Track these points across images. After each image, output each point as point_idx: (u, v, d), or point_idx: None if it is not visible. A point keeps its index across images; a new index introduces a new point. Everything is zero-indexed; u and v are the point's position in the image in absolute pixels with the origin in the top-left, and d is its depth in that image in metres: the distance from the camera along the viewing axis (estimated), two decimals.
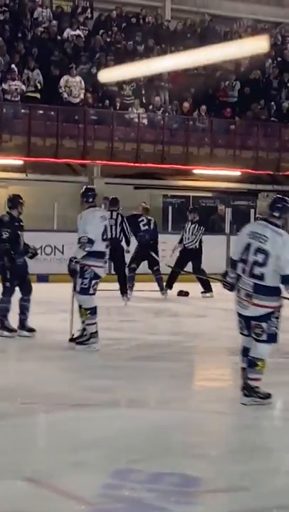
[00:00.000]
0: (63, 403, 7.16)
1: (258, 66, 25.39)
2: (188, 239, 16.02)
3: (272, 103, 24.94)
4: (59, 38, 23.20)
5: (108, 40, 23.97)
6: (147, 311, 12.25)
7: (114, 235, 14.05)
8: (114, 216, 14.58)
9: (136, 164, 21.75)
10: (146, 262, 15.62)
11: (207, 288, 15.61)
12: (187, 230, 16.09)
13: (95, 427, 6.43)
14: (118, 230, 14.57)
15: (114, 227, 14.30)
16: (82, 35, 23.51)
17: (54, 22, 23.54)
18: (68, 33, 23.25)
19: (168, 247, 18.09)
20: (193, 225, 16.16)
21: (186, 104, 23.11)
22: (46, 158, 20.93)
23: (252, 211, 21.37)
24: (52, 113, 21.50)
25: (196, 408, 7.27)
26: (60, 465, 5.39)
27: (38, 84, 21.41)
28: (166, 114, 22.97)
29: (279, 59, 26.69)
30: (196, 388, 8.52)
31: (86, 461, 5.47)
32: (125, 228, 14.70)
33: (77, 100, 21.70)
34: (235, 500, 4.81)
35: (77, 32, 23.46)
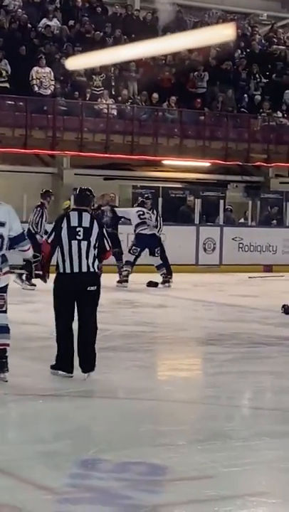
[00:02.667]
0: (32, 393, 7.18)
1: (227, 57, 25.47)
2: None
3: (244, 94, 25.04)
4: (30, 27, 23.09)
5: (77, 30, 23.90)
6: (115, 302, 12.28)
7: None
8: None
9: (105, 155, 21.78)
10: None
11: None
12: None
13: (64, 417, 6.47)
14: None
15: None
16: (52, 26, 23.44)
17: (22, 11, 23.42)
18: (43, 23, 23.17)
19: None
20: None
21: (155, 95, 23.12)
22: (15, 148, 20.86)
23: (221, 202, 21.45)
24: (21, 103, 21.45)
25: (164, 398, 7.33)
26: (28, 455, 5.42)
27: (3, 72, 21.29)
28: (136, 105, 22.98)
29: (248, 50, 26.76)
30: (164, 378, 8.57)
31: (54, 451, 5.50)
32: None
33: (48, 92, 21.66)
34: (201, 489, 4.85)
35: (52, 22, 23.38)
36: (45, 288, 10.64)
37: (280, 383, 8.14)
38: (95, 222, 7.82)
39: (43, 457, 5.38)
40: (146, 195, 17.74)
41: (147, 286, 15.72)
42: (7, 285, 7.54)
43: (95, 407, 6.94)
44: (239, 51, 26.48)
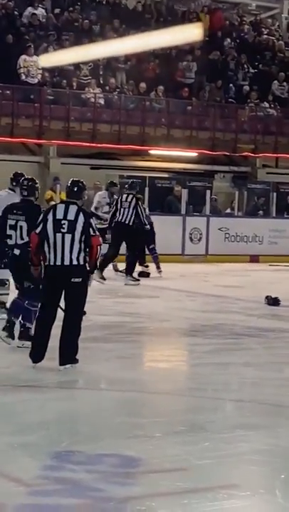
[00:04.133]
0: (11, 384, 7.18)
1: (215, 47, 25.44)
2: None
3: (230, 84, 25.01)
4: (17, 15, 23.00)
5: (65, 18, 23.81)
6: (99, 292, 12.26)
7: (123, 219, 14.62)
8: (128, 199, 14.96)
9: (92, 144, 21.73)
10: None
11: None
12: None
13: (40, 409, 6.47)
14: (130, 212, 14.80)
15: (126, 210, 14.72)
16: (39, 14, 23.34)
17: None
18: (30, 11, 23.07)
19: None
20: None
21: (142, 85, 23.08)
22: (1, 137, 20.80)
23: (208, 192, 21.45)
24: (7, 92, 21.36)
25: (144, 389, 7.33)
26: (1, 447, 5.41)
27: None
28: (123, 95, 22.92)
29: (236, 40, 26.73)
30: (145, 369, 8.58)
31: (27, 442, 5.50)
32: (140, 211, 14.96)
33: (36, 81, 21.59)
34: (174, 481, 4.87)
35: (38, 11, 23.28)
36: None
37: (260, 375, 8.16)
38: (81, 214, 7.73)
39: (16, 449, 5.38)
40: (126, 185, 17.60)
41: (138, 276, 15.68)
42: None
43: (73, 398, 6.94)
44: (228, 40, 26.44)
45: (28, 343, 8.18)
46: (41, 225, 7.75)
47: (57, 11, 23.97)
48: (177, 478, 4.94)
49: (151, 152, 22.54)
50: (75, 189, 7.95)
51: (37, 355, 7.67)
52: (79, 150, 21.58)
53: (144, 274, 15.97)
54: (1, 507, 4.44)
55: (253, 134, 24.43)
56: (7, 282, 10.00)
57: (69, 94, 22.05)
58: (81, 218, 7.70)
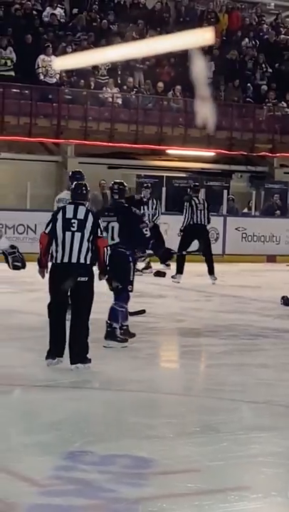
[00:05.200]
0: (24, 384, 7.22)
1: (234, 46, 25.40)
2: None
3: (248, 84, 24.96)
4: (35, 14, 23.05)
5: (83, 18, 23.84)
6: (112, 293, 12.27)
7: (199, 220, 15.20)
8: (201, 201, 15.75)
9: (110, 144, 21.75)
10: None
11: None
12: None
13: (53, 409, 6.50)
14: (204, 214, 15.47)
15: (201, 212, 15.40)
16: (58, 14, 23.39)
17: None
18: (48, 11, 23.13)
19: None
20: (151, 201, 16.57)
21: (160, 84, 23.08)
22: (20, 137, 20.87)
23: (225, 192, 21.43)
24: (26, 92, 21.43)
25: (157, 390, 7.35)
26: (15, 446, 5.45)
27: (9, 61, 21.28)
28: (141, 94, 22.94)
29: (255, 39, 26.67)
30: (158, 370, 8.57)
31: (40, 442, 5.53)
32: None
33: (54, 80, 21.66)
34: (185, 483, 4.88)
35: (56, 10, 23.33)
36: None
37: (275, 376, 8.16)
38: (90, 214, 7.90)
39: (29, 449, 5.41)
40: (145, 185, 17.87)
41: (154, 276, 15.71)
42: None
43: (86, 398, 6.96)
44: (246, 40, 26.39)
45: (115, 343, 8.68)
46: (51, 225, 7.87)
47: (75, 10, 24.00)
48: (189, 480, 4.95)
49: (169, 152, 22.54)
50: (83, 191, 8.09)
51: (61, 351, 7.74)
52: (96, 149, 21.61)
53: (161, 274, 15.96)
54: (14, 506, 4.47)
55: (271, 133, 24.37)
56: None
57: (87, 93, 22.09)
58: (90, 218, 7.86)
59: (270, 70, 25.78)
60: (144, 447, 5.51)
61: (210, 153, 22.98)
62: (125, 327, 9.06)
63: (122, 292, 8.87)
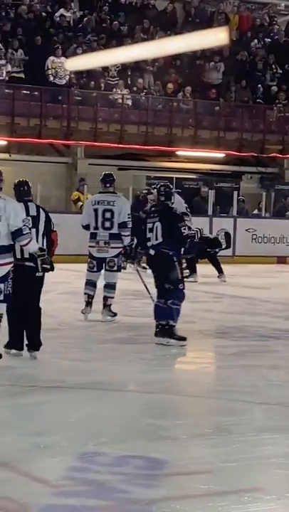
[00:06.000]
0: (35, 385, 7.21)
1: (244, 47, 25.39)
2: None
3: (258, 85, 24.95)
4: (45, 16, 23.10)
5: (94, 19, 23.87)
6: (125, 293, 12.27)
7: None
8: None
9: (120, 145, 21.78)
10: None
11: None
12: None
13: (65, 410, 6.49)
14: None
15: None
16: (68, 15, 23.43)
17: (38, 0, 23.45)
18: (60, 13, 23.17)
19: None
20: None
21: (170, 85, 23.09)
22: (30, 138, 20.91)
23: (235, 193, 21.41)
24: (36, 93, 21.48)
25: (168, 391, 7.33)
26: (27, 447, 5.44)
27: (21, 63, 21.33)
28: (151, 96, 22.95)
29: (265, 40, 26.66)
30: (169, 371, 8.55)
31: (52, 443, 5.52)
32: None
33: (64, 82, 21.69)
34: (198, 484, 4.87)
35: (68, 12, 23.37)
36: (59, 279, 10.74)
37: (287, 377, 8.12)
38: (41, 210, 8.27)
39: (42, 450, 5.40)
40: (153, 186, 17.92)
41: None
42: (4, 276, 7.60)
43: (96, 399, 6.94)
44: (256, 41, 26.38)
45: (172, 341, 9.01)
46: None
47: (85, 12, 24.02)
48: (202, 481, 4.94)
49: (179, 153, 22.55)
50: (25, 188, 8.39)
51: (20, 344, 8.14)
52: (106, 151, 21.64)
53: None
54: (27, 507, 4.47)
55: (281, 134, 24.37)
56: None
57: (97, 95, 22.11)
58: (42, 214, 8.22)
59: (280, 71, 25.78)
60: (157, 448, 5.50)
61: (220, 155, 22.99)
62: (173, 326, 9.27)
63: (175, 291, 9.10)
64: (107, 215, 10.61)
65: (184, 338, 9.21)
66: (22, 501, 4.50)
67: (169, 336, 9.12)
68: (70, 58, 20.74)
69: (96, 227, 10.67)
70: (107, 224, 10.61)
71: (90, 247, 10.83)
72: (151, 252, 9.29)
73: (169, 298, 9.13)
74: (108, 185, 10.84)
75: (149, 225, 9.30)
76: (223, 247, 11.20)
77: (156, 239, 9.18)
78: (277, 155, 23.93)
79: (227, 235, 11.05)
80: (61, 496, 4.62)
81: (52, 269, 7.99)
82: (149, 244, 9.30)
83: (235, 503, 4.60)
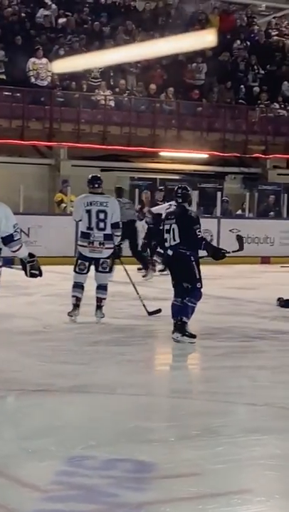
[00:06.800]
0: (22, 389, 7.17)
1: (226, 48, 25.42)
2: None
3: (241, 86, 24.99)
4: (25, 16, 23.03)
5: (75, 20, 23.83)
6: (111, 295, 12.22)
7: None
8: None
9: (103, 146, 21.75)
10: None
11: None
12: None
13: (52, 413, 6.45)
14: None
15: None
16: (49, 16, 23.38)
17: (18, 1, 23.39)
18: (41, 13, 23.11)
19: None
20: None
21: (152, 86, 23.08)
22: (12, 140, 20.83)
23: (218, 193, 21.41)
24: (18, 95, 21.41)
25: (155, 393, 7.32)
26: (15, 452, 5.40)
27: (1, 64, 21.28)
28: (133, 96, 22.93)
29: (246, 41, 26.70)
30: (156, 373, 8.56)
31: (40, 447, 5.47)
32: None
33: (45, 83, 21.64)
34: (188, 487, 4.84)
35: (48, 12, 23.32)
36: (43, 282, 10.68)
37: (273, 378, 8.12)
38: None
39: (30, 454, 5.36)
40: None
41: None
42: None
43: (84, 402, 6.91)
44: (238, 42, 26.41)
45: (183, 338, 9.24)
46: None
47: (65, 13, 23.95)
48: (191, 484, 4.91)
49: (162, 154, 22.55)
50: None
51: None
52: (89, 152, 21.61)
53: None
54: None
55: (264, 135, 24.42)
56: None
57: (79, 96, 22.07)
58: None
59: (262, 72, 25.81)
60: (145, 451, 5.47)
61: (203, 155, 22.99)
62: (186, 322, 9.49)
63: (193, 290, 9.43)
64: (101, 215, 10.63)
65: (194, 336, 9.43)
66: (10, 507, 4.46)
67: (180, 331, 9.36)
68: (57, 60, 20.74)
69: (90, 228, 10.65)
70: (102, 225, 10.63)
71: (81, 246, 10.78)
72: (170, 252, 9.56)
73: (186, 295, 9.45)
74: (97, 186, 10.85)
75: (166, 227, 9.60)
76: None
77: (174, 240, 9.48)
78: (260, 155, 23.97)
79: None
80: (50, 501, 4.59)
81: (40, 274, 7.93)
82: (166, 245, 9.59)
83: (225, 505, 4.58)
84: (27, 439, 5.70)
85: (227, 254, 10.19)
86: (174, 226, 9.50)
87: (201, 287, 9.54)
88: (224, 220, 20.97)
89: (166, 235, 9.59)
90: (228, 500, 4.65)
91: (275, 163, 24.31)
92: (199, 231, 9.60)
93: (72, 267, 11.00)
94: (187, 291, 9.49)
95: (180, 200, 9.77)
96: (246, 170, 23.93)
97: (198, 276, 9.48)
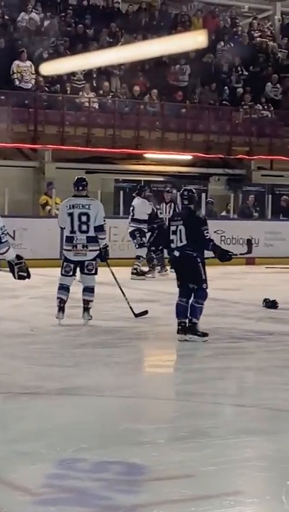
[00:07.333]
0: (11, 391, 7.15)
1: (209, 50, 25.46)
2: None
3: (225, 87, 25.03)
4: (8, 19, 22.99)
5: (58, 23, 23.81)
6: (98, 297, 12.22)
7: None
8: None
9: (87, 149, 21.73)
10: None
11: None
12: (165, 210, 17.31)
13: (41, 416, 6.43)
14: None
15: None
16: (35, 19, 23.34)
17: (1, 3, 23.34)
18: (22, 17, 23.07)
19: (119, 232, 18.23)
20: (168, 205, 17.43)
21: (136, 88, 23.08)
22: None
23: (203, 195, 21.42)
24: (2, 97, 21.37)
25: (144, 395, 7.31)
26: (5, 455, 5.39)
27: None
28: (117, 99, 22.93)
29: (230, 42, 26.76)
30: (144, 375, 8.56)
31: (30, 451, 5.47)
32: None
33: (29, 85, 21.61)
34: (179, 489, 4.84)
35: (30, 15, 23.27)
36: (29, 284, 10.68)
37: (261, 379, 8.16)
38: None
39: (21, 457, 5.35)
40: (167, 189, 18.77)
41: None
42: None
43: (73, 405, 6.90)
44: (221, 43, 26.45)
45: (195, 337, 9.46)
46: None
47: (48, 15, 23.93)
48: (183, 486, 4.91)
49: (146, 156, 22.55)
50: None
51: None
52: (74, 154, 21.57)
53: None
54: None
55: (248, 136, 24.46)
56: None
57: (63, 98, 22.05)
58: None
59: (246, 73, 25.87)
60: (136, 453, 5.47)
61: (187, 157, 23.01)
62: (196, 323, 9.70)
63: (199, 291, 9.63)
64: (83, 218, 10.64)
65: (206, 334, 9.68)
66: (2, 510, 4.46)
67: (192, 332, 9.58)
68: (44, 64, 20.70)
69: (72, 231, 10.67)
70: (84, 227, 10.63)
71: (66, 250, 10.81)
72: (176, 253, 9.68)
73: (193, 296, 9.65)
74: (81, 188, 10.86)
75: (173, 228, 9.73)
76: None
77: (181, 241, 9.62)
78: (244, 156, 24.00)
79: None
80: (42, 504, 4.58)
81: (28, 276, 7.91)
82: (172, 246, 9.71)
83: (218, 507, 4.58)
84: (17, 442, 5.69)
85: (234, 256, 10.30)
86: (181, 227, 9.63)
87: (207, 288, 9.74)
88: (209, 222, 20.76)
89: (172, 236, 9.73)
90: (221, 501, 4.66)
91: (259, 164, 24.35)
92: (207, 232, 9.76)
93: (58, 269, 11.02)
94: (193, 291, 9.66)
95: (186, 202, 9.93)
96: (230, 171, 23.96)
97: (204, 277, 9.66)
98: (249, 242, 11.36)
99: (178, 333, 9.67)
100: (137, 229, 16.86)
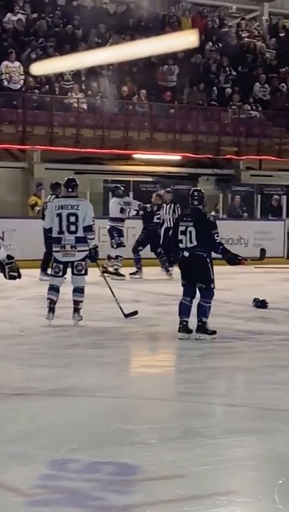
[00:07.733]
0: (2, 393, 7.14)
1: (197, 50, 25.46)
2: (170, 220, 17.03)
3: (213, 87, 25.04)
4: None
5: (46, 23, 23.77)
6: (88, 297, 12.22)
7: None
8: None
9: (76, 149, 21.70)
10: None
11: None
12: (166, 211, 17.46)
13: (33, 417, 6.43)
14: None
15: None
16: (23, 19, 23.29)
17: None
18: (9, 17, 23.03)
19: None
20: (168, 205, 17.59)
21: (125, 88, 23.07)
22: None
23: None
24: None
25: (135, 395, 7.31)
26: None
27: None
28: (106, 99, 22.91)
29: (218, 43, 26.78)
30: (135, 375, 8.56)
31: (22, 452, 5.46)
32: None
33: (18, 86, 21.57)
34: (172, 489, 4.85)
35: (18, 16, 23.23)
36: (19, 285, 10.69)
37: (251, 379, 8.17)
38: None
39: (13, 458, 5.34)
40: (167, 189, 18.84)
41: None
42: None
43: (64, 406, 6.89)
44: (210, 44, 26.47)
45: (205, 336, 9.63)
46: None
47: (36, 16, 23.87)
48: (176, 486, 4.92)
49: (135, 156, 22.55)
50: None
51: None
52: (63, 155, 21.55)
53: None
54: None
55: (236, 136, 24.48)
56: None
57: (52, 99, 22.02)
58: None
59: (234, 73, 25.89)
60: (129, 453, 5.48)
61: (176, 157, 23.02)
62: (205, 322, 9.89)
63: (207, 290, 9.81)
64: (72, 219, 10.63)
65: (214, 332, 9.86)
66: None
67: (202, 331, 9.74)
68: (35, 64, 20.65)
69: (61, 232, 10.66)
70: (72, 228, 10.62)
71: (54, 251, 10.80)
72: (186, 253, 9.77)
73: (201, 296, 9.85)
74: (71, 189, 10.90)
75: (182, 228, 9.80)
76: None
77: (191, 242, 9.71)
78: (233, 157, 24.02)
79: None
80: (34, 505, 4.58)
81: (19, 276, 7.90)
82: (181, 246, 9.79)
83: (210, 506, 4.59)
84: (9, 443, 5.68)
85: (244, 261, 10.45)
86: (191, 229, 9.71)
87: (214, 287, 9.90)
88: None
89: (180, 236, 9.79)
90: (213, 501, 4.67)
91: (248, 164, 24.38)
92: (217, 235, 9.90)
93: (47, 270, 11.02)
94: (200, 291, 9.84)
95: (196, 203, 9.98)
96: (219, 171, 23.98)
97: (212, 277, 9.83)
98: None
99: (179, 331, 9.78)
100: (111, 227, 17.01)
